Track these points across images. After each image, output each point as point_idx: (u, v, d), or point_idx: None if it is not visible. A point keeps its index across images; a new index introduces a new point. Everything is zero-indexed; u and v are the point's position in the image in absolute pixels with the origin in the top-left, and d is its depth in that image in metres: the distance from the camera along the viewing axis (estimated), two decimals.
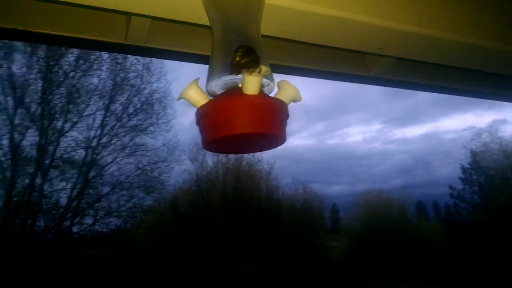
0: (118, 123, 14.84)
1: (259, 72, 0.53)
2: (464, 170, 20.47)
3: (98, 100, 14.46)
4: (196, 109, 0.60)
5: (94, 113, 14.35)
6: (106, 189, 14.35)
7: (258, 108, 0.56)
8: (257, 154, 18.18)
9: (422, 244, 16.77)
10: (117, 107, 14.86)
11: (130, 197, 14.72)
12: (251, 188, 17.41)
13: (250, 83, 0.54)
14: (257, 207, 16.50)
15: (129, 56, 14.45)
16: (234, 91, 0.58)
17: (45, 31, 1.02)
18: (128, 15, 0.98)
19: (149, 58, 15.17)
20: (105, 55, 14.25)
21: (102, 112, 14.55)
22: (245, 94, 0.55)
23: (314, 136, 36.28)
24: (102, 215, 14.21)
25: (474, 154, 20.07)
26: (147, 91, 15.38)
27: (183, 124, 26.35)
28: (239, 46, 0.55)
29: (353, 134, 38.09)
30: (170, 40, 1.11)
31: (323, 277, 15.63)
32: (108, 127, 14.63)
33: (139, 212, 15.09)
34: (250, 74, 0.53)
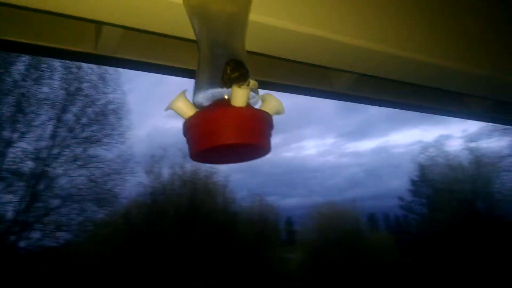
0: (70, 134, 14.32)
1: (248, 85, 0.55)
2: (412, 182, 21.35)
3: (49, 109, 13.91)
4: (184, 120, 0.61)
5: (44, 123, 13.78)
6: (56, 202, 13.75)
7: (246, 120, 0.57)
8: (213, 166, 18.11)
9: (374, 255, 17.22)
10: (69, 117, 14.36)
11: (81, 210, 14.18)
12: (207, 200, 17.26)
13: (239, 95, 0.56)
14: (213, 220, 16.35)
15: (83, 65, 14.04)
16: (222, 103, 0.60)
17: (10, 38, 0.99)
18: (98, 24, 0.97)
19: (104, 68, 14.81)
20: (57, 63, 13.75)
21: (54, 122, 14.00)
22: (233, 106, 0.57)
23: (271, 149, 36.53)
24: (52, 229, 13.58)
25: (422, 168, 21.01)
26: (102, 101, 14.98)
27: (139, 136, 25.84)
28: (230, 60, 0.56)
29: (308, 148, 38.75)
30: (141, 51, 1.10)
31: None
32: (59, 138, 14.08)
33: (91, 225, 14.56)
34: (239, 87, 0.55)
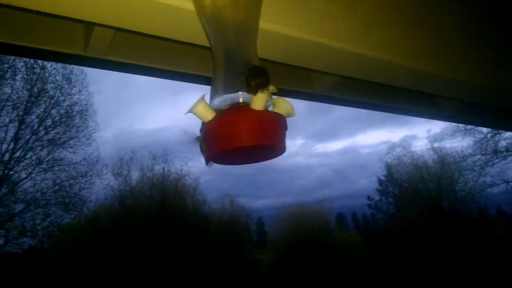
0: (34, 136, 13.89)
1: (267, 91, 0.59)
2: (380, 182, 21.89)
3: (11, 111, 13.44)
4: (203, 123, 0.63)
5: (6, 126, 13.31)
6: (19, 207, 13.29)
7: (266, 122, 0.61)
8: (184, 168, 17.97)
9: (343, 254, 17.53)
10: (33, 119, 13.91)
11: (46, 215, 13.77)
12: (177, 203, 17.10)
13: (260, 100, 0.59)
14: (184, 222, 16.20)
15: (47, 65, 13.64)
16: (239, 107, 0.62)
17: None
18: (89, 25, 0.94)
19: (69, 69, 14.44)
20: (19, 63, 13.30)
21: (16, 124, 13.53)
22: (252, 109, 0.60)
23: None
24: (15, 235, 13.11)
25: (389, 167, 21.57)
26: (67, 103, 14.61)
27: (105, 138, 25.28)
28: (253, 67, 0.59)
29: None
30: (132, 54, 1.09)
31: None
32: (22, 141, 13.62)
33: (57, 231, 14.14)
34: (261, 92, 0.58)
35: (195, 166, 18.21)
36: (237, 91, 0.63)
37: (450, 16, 1.14)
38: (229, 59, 0.66)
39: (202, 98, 0.63)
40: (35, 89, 13.83)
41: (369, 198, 22.59)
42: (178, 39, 0.88)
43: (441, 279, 15.29)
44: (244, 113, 0.61)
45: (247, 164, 0.71)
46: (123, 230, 14.81)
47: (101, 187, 15.88)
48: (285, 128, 0.63)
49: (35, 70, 13.69)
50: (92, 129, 15.19)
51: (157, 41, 1.03)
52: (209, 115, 0.62)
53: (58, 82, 14.36)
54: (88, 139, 14.97)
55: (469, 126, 17.62)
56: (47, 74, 14.05)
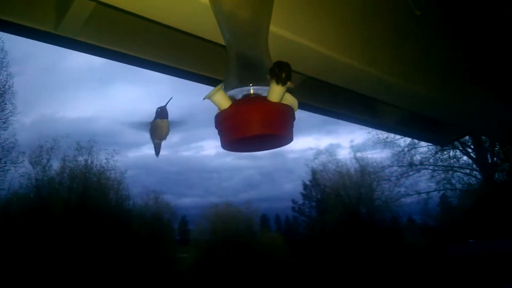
0: None
1: (285, 85, 0.63)
2: (305, 186, 22.67)
3: None
4: (220, 110, 0.67)
5: None
6: None
7: (281, 114, 0.66)
8: (110, 162, 17.23)
9: (265, 255, 17.88)
10: None
11: None
12: (100, 196, 16.34)
13: (277, 92, 0.64)
14: (105, 216, 15.54)
15: None
16: (255, 98, 0.67)
17: None
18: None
19: None
20: None
21: None
22: (267, 101, 0.64)
23: (169, 147, 35.94)
24: None
25: (314, 172, 22.42)
26: None
27: (24, 123, 23.55)
28: (278, 62, 0.63)
29: (207, 148, 38.91)
30: (105, 36, 1.05)
31: None
32: None
33: None
34: (281, 85, 0.62)
35: (120, 160, 17.56)
36: (250, 84, 0.67)
37: (414, 34, 1.24)
38: (242, 55, 0.71)
39: (221, 86, 0.66)
40: None
41: (293, 201, 23.32)
42: (171, 25, 0.87)
43: (356, 282, 16.15)
44: (261, 104, 0.65)
45: (257, 151, 0.76)
46: (37, 222, 13.85)
47: (16, 176, 14.81)
48: (293, 118, 0.69)
49: None
50: (9, 112, 14.13)
51: (134, 23, 1.00)
52: (226, 103, 0.66)
53: None
54: (4, 122, 13.92)
55: (389, 139, 18.89)
56: None
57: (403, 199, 19.87)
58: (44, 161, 15.89)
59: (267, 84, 0.66)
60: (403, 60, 1.18)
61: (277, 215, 31.20)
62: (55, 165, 16.14)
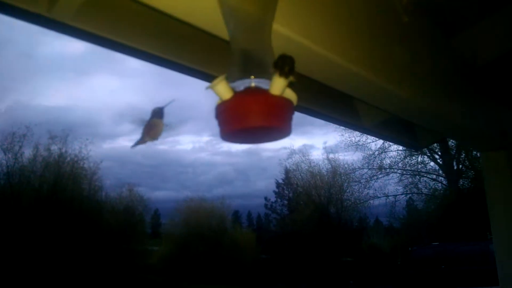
0: None
1: (287, 78, 0.65)
2: (278, 184, 22.84)
3: None
4: (222, 100, 0.68)
5: None
6: None
7: (281, 106, 0.67)
8: (83, 152, 16.83)
9: (236, 251, 17.91)
10: None
11: None
12: (72, 186, 15.98)
13: (280, 85, 0.65)
14: (76, 206, 15.21)
15: None
16: (256, 90, 0.68)
17: None
18: None
19: None
20: None
21: None
22: (270, 93, 0.66)
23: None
24: None
25: (287, 171, 22.60)
26: None
27: None
28: (283, 55, 0.65)
29: (183, 143, 38.60)
30: (100, 23, 0.97)
31: (142, 282, 15.36)
32: None
33: None
34: (284, 78, 0.64)
35: (95, 151, 17.19)
36: (252, 76, 0.68)
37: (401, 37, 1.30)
38: (246, 46, 0.72)
39: (224, 77, 0.67)
40: None
41: (266, 198, 23.50)
42: (173, 15, 0.85)
43: (322, 279, 16.40)
44: (263, 96, 0.66)
45: (255, 143, 0.77)
46: (6, 209, 13.41)
47: None
48: (293, 112, 0.70)
49: None
50: None
51: (132, 11, 0.98)
52: (227, 94, 0.67)
53: None
54: None
55: (360, 142, 19.26)
56: None
57: (371, 201, 20.31)
58: (16, 148, 15.44)
59: (269, 77, 0.66)
60: (390, 63, 1.23)
61: (249, 211, 31.38)
62: (28, 153, 15.72)
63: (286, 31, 0.91)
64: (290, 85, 0.68)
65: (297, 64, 0.64)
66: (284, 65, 0.64)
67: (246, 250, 18.26)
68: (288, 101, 0.68)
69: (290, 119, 0.69)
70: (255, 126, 0.65)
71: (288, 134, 0.70)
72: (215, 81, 0.67)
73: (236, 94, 0.68)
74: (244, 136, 0.71)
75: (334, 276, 16.55)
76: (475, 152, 16.21)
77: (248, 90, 0.68)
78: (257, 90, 0.68)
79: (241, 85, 0.69)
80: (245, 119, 0.65)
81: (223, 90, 0.67)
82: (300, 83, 0.68)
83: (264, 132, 0.70)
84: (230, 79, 0.68)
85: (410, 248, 13.10)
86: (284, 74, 0.64)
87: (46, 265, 13.19)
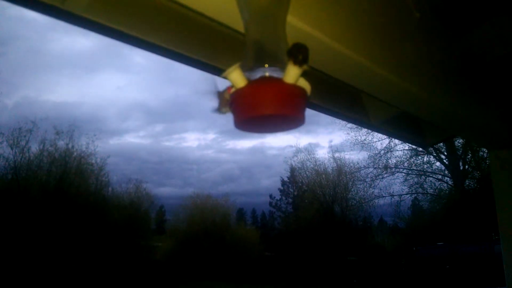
0: None
1: (302, 67, 0.65)
2: (283, 182, 22.87)
3: None
4: (236, 88, 0.68)
5: None
6: None
7: (296, 95, 0.67)
8: (90, 147, 16.92)
9: (239, 248, 17.96)
10: None
11: None
12: (79, 182, 16.06)
13: (294, 73, 0.65)
14: (83, 202, 15.28)
15: None
16: (271, 78, 0.68)
17: None
18: None
19: None
20: None
21: None
22: (285, 82, 0.66)
23: (152, 137, 35.70)
24: None
25: (292, 170, 22.60)
26: None
27: (5, 104, 22.88)
28: (297, 43, 0.65)
29: (189, 140, 38.82)
30: (113, 15, 0.97)
31: (146, 276, 15.46)
32: None
33: None
34: (299, 67, 0.64)
35: (102, 146, 17.27)
36: (265, 65, 0.68)
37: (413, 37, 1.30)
38: (261, 36, 0.73)
39: (238, 65, 0.68)
40: None
41: (271, 196, 23.56)
42: (186, 5, 0.85)
43: (327, 278, 16.41)
44: (277, 84, 0.66)
45: (265, 133, 0.77)
46: (13, 203, 13.50)
47: None
48: (307, 101, 0.70)
49: None
50: None
51: (153, 4, 0.98)
52: (242, 82, 0.67)
53: None
54: None
55: (366, 141, 19.20)
56: None
57: (376, 200, 20.24)
58: (23, 143, 15.52)
59: (283, 67, 0.66)
60: (402, 58, 1.24)
61: (253, 209, 31.46)
62: (35, 148, 15.81)
63: (298, 23, 0.92)
64: (304, 75, 0.68)
65: (309, 57, 0.64)
66: (298, 53, 0.64)
67: (250, 247, 18.30)
68: (302, 90, 0.68)
69: (304, 108, 0.69)
70: (269, 114, 0.65)
71: (302, 124, 0.70)
72: (230, 69, 0.67)
73: (250, 82, 0.68)
74: (258, 124, 0.71)
75: (338, 275, 16.53)
76: (481, 153, 16.13)
77: (262, 79, 0.68)
78: (271, 79, 0.68)
79: (255, 73, 0.69)
80: (259, 107, 0.65)
81: (238, 78, 0.67)
82: (310, 76, 0.68)
83: (277, 121, 0.70)
84: (244, 68, 0.69)
85: (414, 248, 13.07)
86: (298, 62, 0.64)
87: (53, 259, 13.28)
